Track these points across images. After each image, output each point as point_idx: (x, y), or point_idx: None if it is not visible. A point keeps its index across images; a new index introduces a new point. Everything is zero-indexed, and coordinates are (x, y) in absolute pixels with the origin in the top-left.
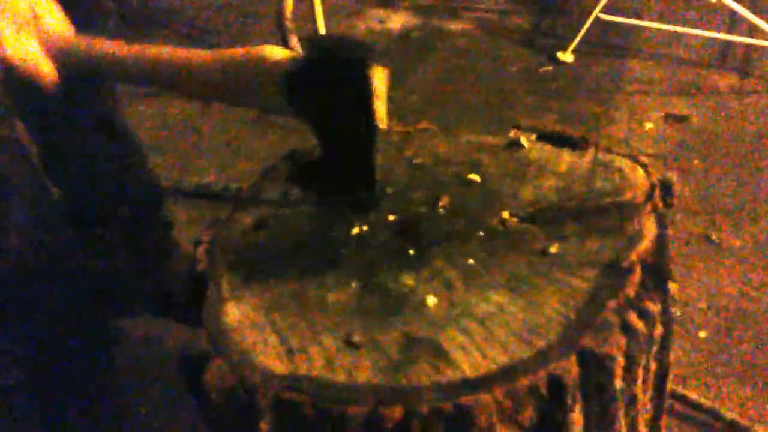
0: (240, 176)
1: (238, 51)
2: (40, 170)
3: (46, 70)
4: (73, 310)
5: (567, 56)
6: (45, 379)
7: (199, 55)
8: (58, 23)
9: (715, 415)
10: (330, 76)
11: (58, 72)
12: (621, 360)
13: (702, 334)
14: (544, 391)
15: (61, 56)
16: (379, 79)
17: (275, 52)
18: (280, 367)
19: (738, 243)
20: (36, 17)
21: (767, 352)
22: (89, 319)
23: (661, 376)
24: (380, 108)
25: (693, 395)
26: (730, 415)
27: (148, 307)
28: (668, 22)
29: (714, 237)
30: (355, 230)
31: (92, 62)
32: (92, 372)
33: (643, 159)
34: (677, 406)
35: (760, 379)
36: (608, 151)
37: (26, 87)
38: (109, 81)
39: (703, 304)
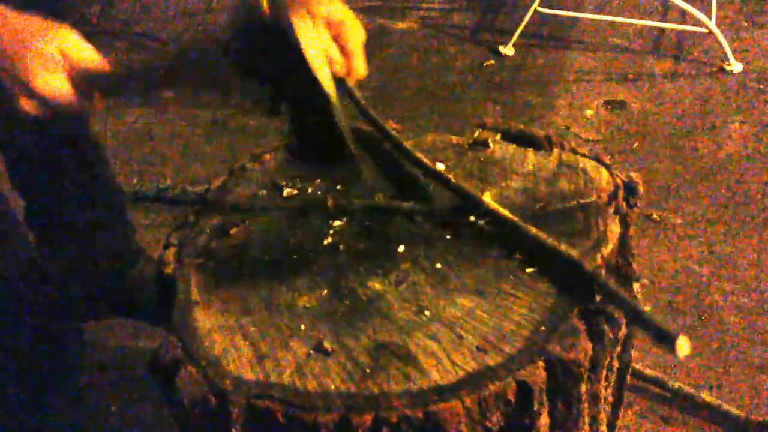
0: (196, 180)
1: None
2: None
3: (74, 101)
4: (40, 316)
5: (508, 50)
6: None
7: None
8: (88, 58)
9: (661, 384)
10: (256, 31)
11: (90, 99)
12: (587, 364)
13: (647, 308)
14: (511, 397)
15: (91, 86)
16: (306, 27)
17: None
18: (250, 373)
19: (678, 220)
20: (65, 56)
21: (708, 322)
22: (55, 324)
23: (623, 370)
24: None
25: (639, 367)
26: (674, 383)
27: (116, 310)
28: (604, 13)
29: (655, 216)
30: (324, 234)
31: (113, 85)
32: (57, 373)
33: (606, 159)
34: None
35: (702, 348)
36: (572, 151)
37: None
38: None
39: (646, 281)
